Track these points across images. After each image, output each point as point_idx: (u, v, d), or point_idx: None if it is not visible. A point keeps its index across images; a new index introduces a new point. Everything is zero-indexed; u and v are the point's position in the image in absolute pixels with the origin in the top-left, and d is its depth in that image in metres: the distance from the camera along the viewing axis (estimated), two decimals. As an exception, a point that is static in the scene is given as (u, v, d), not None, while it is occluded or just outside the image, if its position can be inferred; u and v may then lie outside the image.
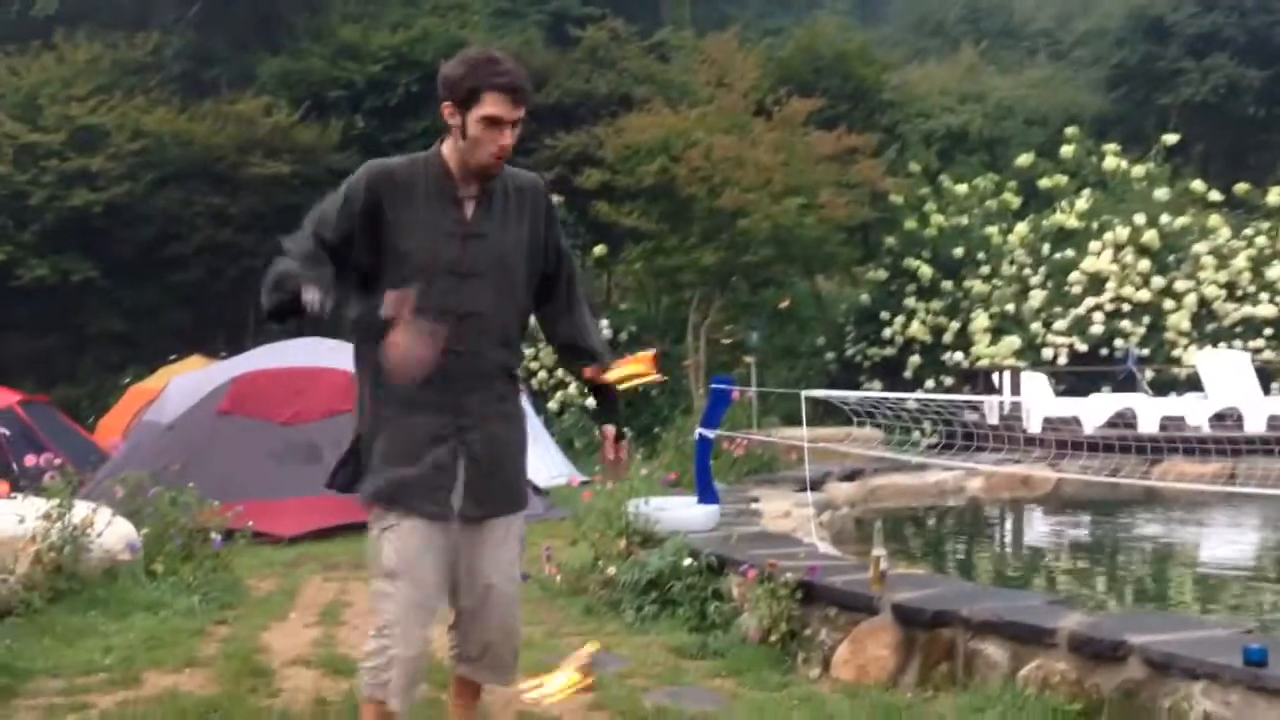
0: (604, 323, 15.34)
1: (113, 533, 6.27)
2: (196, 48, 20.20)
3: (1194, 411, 12.25)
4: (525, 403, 12.46)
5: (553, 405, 14.82)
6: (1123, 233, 15.10)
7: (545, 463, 11.97)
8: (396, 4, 20.13)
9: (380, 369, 2.88)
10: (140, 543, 6.44)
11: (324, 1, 20.00)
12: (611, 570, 6.01)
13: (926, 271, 15.73)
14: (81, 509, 6.18)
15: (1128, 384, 13.91)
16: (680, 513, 6.34)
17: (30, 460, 7.35)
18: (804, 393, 6.96)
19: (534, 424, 12.50)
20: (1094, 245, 15.19)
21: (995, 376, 13.63)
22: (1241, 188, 16.58)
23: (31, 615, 5.55)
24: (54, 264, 15.90)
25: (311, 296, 2.79)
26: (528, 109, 2.99)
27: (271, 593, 6.67)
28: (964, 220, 16.27)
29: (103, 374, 16.51)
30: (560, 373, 15.16)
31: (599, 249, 15.60)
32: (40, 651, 4.99)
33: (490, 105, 2.91)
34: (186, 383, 9.86)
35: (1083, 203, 15.79)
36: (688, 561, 5.56)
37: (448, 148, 3.00)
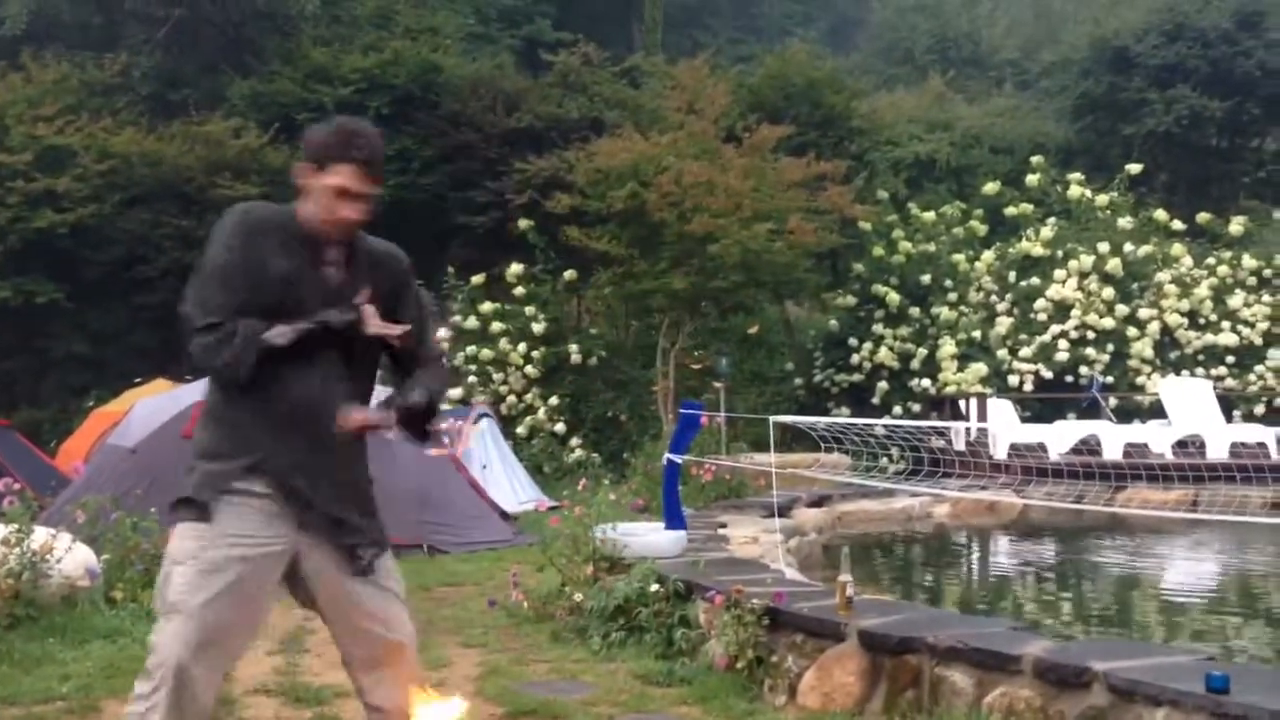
0: (574, 348, 15.35)
1: (72, 559, 6.18)
2: (165, 69, 20.10)
3: (1157, 438, 12.37)
4: (492, 427, 12.44)
5: (521, 430, 14.78)
6: (1087, 261, 15.27)
7: (514, 487, 11.95)
8: (368, 27, 20.15)
9: (243, 397, 2.89)
10: (100, 569, 6.36)
11: (294, 24, 19.97)
12: (578, 596, 5.99)
13: (894, 298, 15.84)
14: (41, 534, 6.10)
15: (1092, 411, 14.04)
16: (648, 538, 6.33)
17: (-10, 484, 7.26)
18: (772, 418, 6.99)
19: (502, 449, 12.48)
20: (1059, 273, 15.34)
21: (962, 403, 13.70)
22: (1204, 217, 16.80)
23: (-12, 642, 5.47)
24: (17, 286, 15.72)
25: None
26: (377, 187, 3.01)
27: (234, 619, 6.58)
28: (931, 247, 16.40)
29: (66, 397, 16.31)
30: (529, 398, 15.15)
31: (569, 274, 15.61)
32: (-3, 679, 4.91)
33: (340, 176, 2.93)
34: (151, 405, 9.76)
35: (1048, 231, 15.95)
36: (655, 587, 5.55)
37: (303, 209, 2.99)
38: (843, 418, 11.89)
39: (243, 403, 2.93)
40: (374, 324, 2.92)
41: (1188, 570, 8.94)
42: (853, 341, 15.98)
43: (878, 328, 15.94)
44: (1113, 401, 14.36)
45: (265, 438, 2.91)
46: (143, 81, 19.51)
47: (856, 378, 15.91)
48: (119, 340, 16.64)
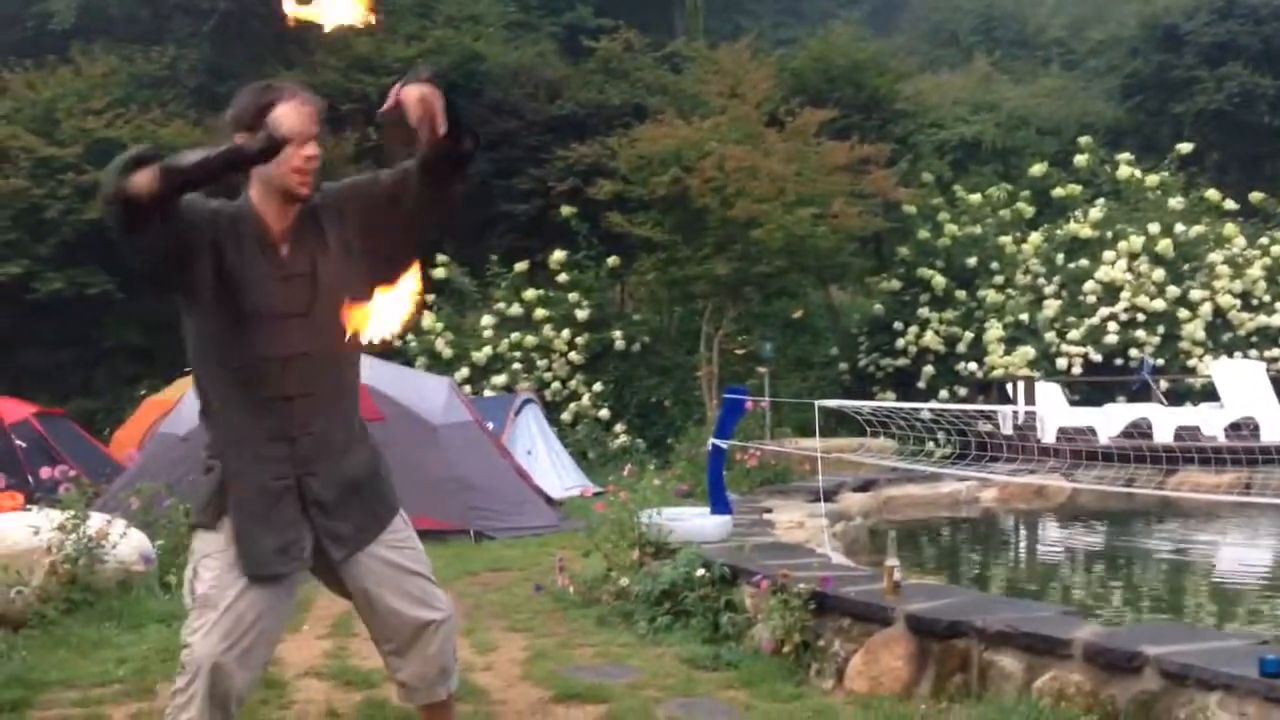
0: (617, 334, 15.37)
1: (127, 544, 6.29)
2: (211, 61, 20.29)
3: (1209, 421, 12.19)
4: (537, 414, 12.49)
5: (566, 417, 14.83)
6: (1137, 242, 15.06)
7: (558, 474, 12.00)
8: (411, 16, 20.19)
9: (223, 397, 2.88)
10: (155, 554, 6.47)
11: (338, 15, 20.06)
12: (624, 581, 6.00)
13: (940, 281, 15.70)
14: (96, 520, 6.20)
15: (1143, 394, 13.85)
16: (693, 523, 6.34)
17: (45, 472, 7.41)
18: (817, 403, 6.97)
19: (547, 436, 12.53)
20: (1108, 255, 15.14)
21: (1009, 387, 13.58)
22: (1257, 197, 16.51)
23: (46, 627, 5.58)
24: (70, 277, 15.97)
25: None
26: (322, 130, 2.91)
27: (285, 604, 6.67)
28: (977, 230, 16.24)
29: (118, 386, 16.57)
30: (574, 384, 15.19)
31: (612, 259, 15.62)
32: (55, 663, 5.01)
33: (295, 128, 2.82)
34: (201, 394, 9.89)
35: (1097, 212, 15.75)
36: (701, 572, 5.55)
37: (254, 192, 2.91)
38: (888, 402, 11.81)
39: (223, 389, 2.91)
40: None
41: (1241, 555, 8.82)
42: (898, 325, 15.86)
43: (923, 311, 15.82)
44: (1164, 384, 14.17)
45: (252, 436, 2.89)
46: (190, 74, 19.71)
47: (902, 362, 15.81)
48: (169, 330, 16.43)
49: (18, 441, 11.02)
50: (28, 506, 6.90)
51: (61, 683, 4.73)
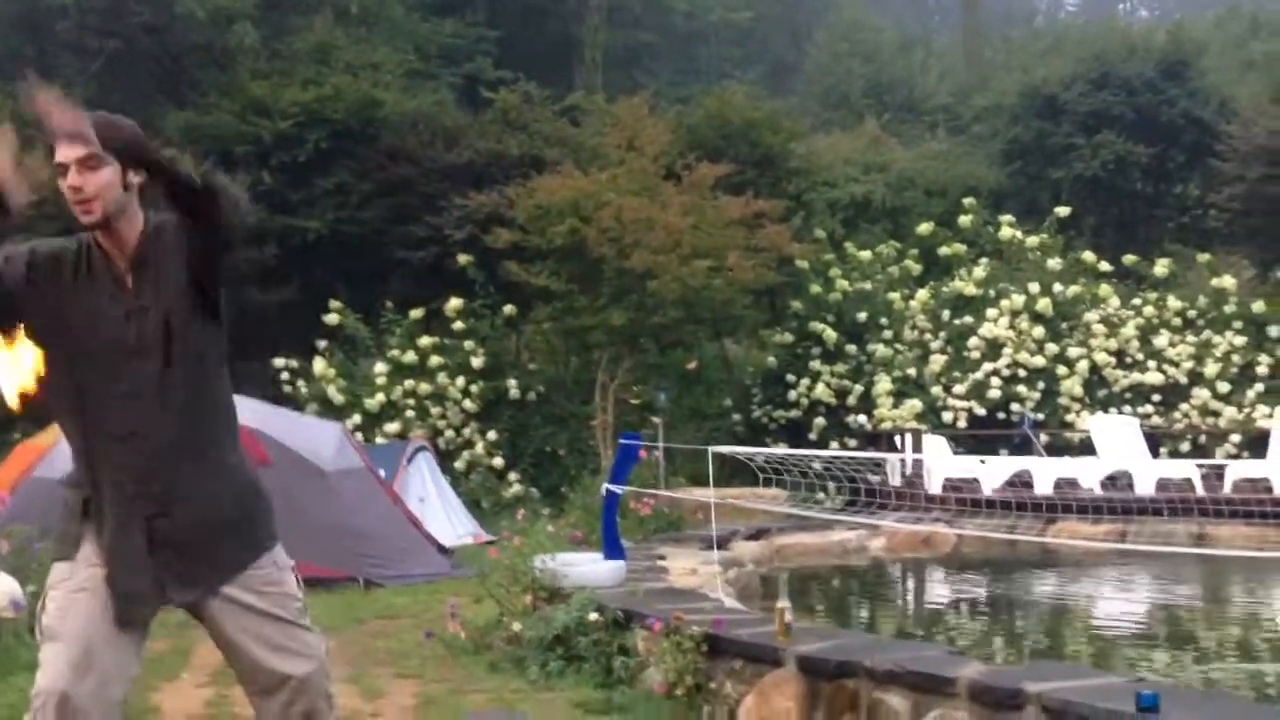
0: (513, 382, 15.34)
1: (-4, 590, 6.04)
2: (99, 100, 19.81)
3: (1087, 474, 12.60)
4: (430, 461, 12.34)
5: (459, 465, 14.69)
6: (1018, 300, 15.57)
7: (451, 521, 11.87)
8: (308, 61, 20.05)
9: (79, 433, 2.83)
10: (25, 600, 6.21)
11: (232, 57, 19.85)
12: (517, 626, 5.96)
13: (831, 335, 16.01)
14: (-36, 565, 5.95)
15: (1024, 447, 14.27)
16: (587, 568, 6.33)
17: (-89, 516, 7.08)
18: (711, 449, 7.03)
19: (440, 483, 12.40)
20: (991, 312, 15.63)
21: (897, 439, 13.86)
22: (1130, 259, 17.22)
23: (-93, 676, 5.32)
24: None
25: None
26: (110, 142, 2.80)
27: (162, 652, 6.45)
28: (868, 286, 16.63)
29: (-10, 430, 15.93)
30: (468, 432, 15.08)
31: (508, 308, 15.59)
32: (-85, 713, 4.78)
33: (57, 154, 2.81)
34: (80, 438, 9.57)
35: (980, 271, 16.26)
36: (594, 616, 5.54)
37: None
38: (781, 449, 11.96)
39: (75, 429, 2.85)
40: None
41: (1117, 603, 9.10)
42: (790, 378, 16.11)
43: (815, 364, 16.09)
44: (1044, 438, 14.62)
45: (105, 474, 2.81)
46: (76, 112, 19.24)
47: (794, 414, 16.04)
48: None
49: (-120, 487, 10.50)
50: (-110, 552, 6.59)
51: (-78, 733, 4.51)
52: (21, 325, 2.78)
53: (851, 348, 16.04)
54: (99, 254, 2.86)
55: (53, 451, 9.61)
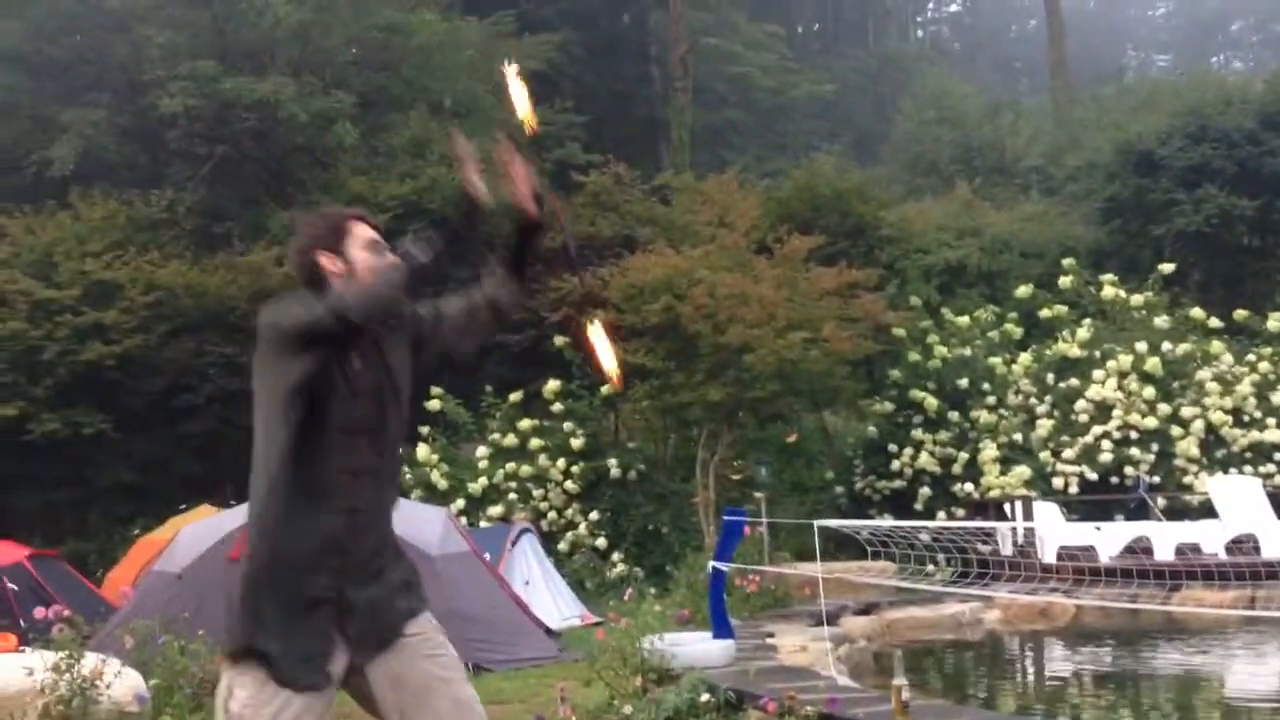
0: (613, 462, 15.37)
1: (121, 684, 6.19)
2: (208, 203, 20.71)
3: (1209, 538, 12.16)
4: (534, 543, 12.44)
5: (563, 546, 14.73)
6: (1125, 361, 15.20)
7: (556, 604, 11.86)
8: (404, 156, 20.70)
9: (287, 506, 2.89)
10: (149, 693, 6.35)
11: (333, 156, 20.58)
12: (628, 709, 5.91)
13: (932, 403, 15.78)
14: (90, 660, 6.11)
15: (1140, 512, 13.83)
16: (696, 648, 6.27)
17: (39, 613, 7.30)
18: (817, 523, 6.96)
19: (544, 565, 12.43)
20: (1098, 374, 15.27)
21: (1006, 507, 13.55)
22: (1241, 314, 16.75)
23: (39, 769, 5.46)
24: (65, 417, 15.99)
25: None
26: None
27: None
28: (967, 351, 16.40)
29: (111, 526, 16.45)
30: (570, 513, 15.12)
31: (606, 388, 15.70)
32: (47, 806, 4.89)
33: (363, 231, 3.06)
34: (196, 531, 9.83)
35: (1084, 332, 15.93)
36: (705, 697, 5.48)
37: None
38: (887, 521, 11.77)
39: (290, 505, 2.91)
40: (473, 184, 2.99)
41: (1249, 671, 8.71)
42: (892, 447, 15.88)
43: (917, 433, 15.85)
44: (1161, 501, 14.15)
45: (308, 546, 2.90)
46: (187, 216, 20.10)
47: (898, 484, 15.78)
48: (164, 468, 16.84)
49: (10, 584, 10.88)
50: (21, 648, 6.81)
51: (54, 827, 4.61)
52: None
53: (954, 415, 15.78)
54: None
55: (171, 545, 9.91)
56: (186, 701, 6.41)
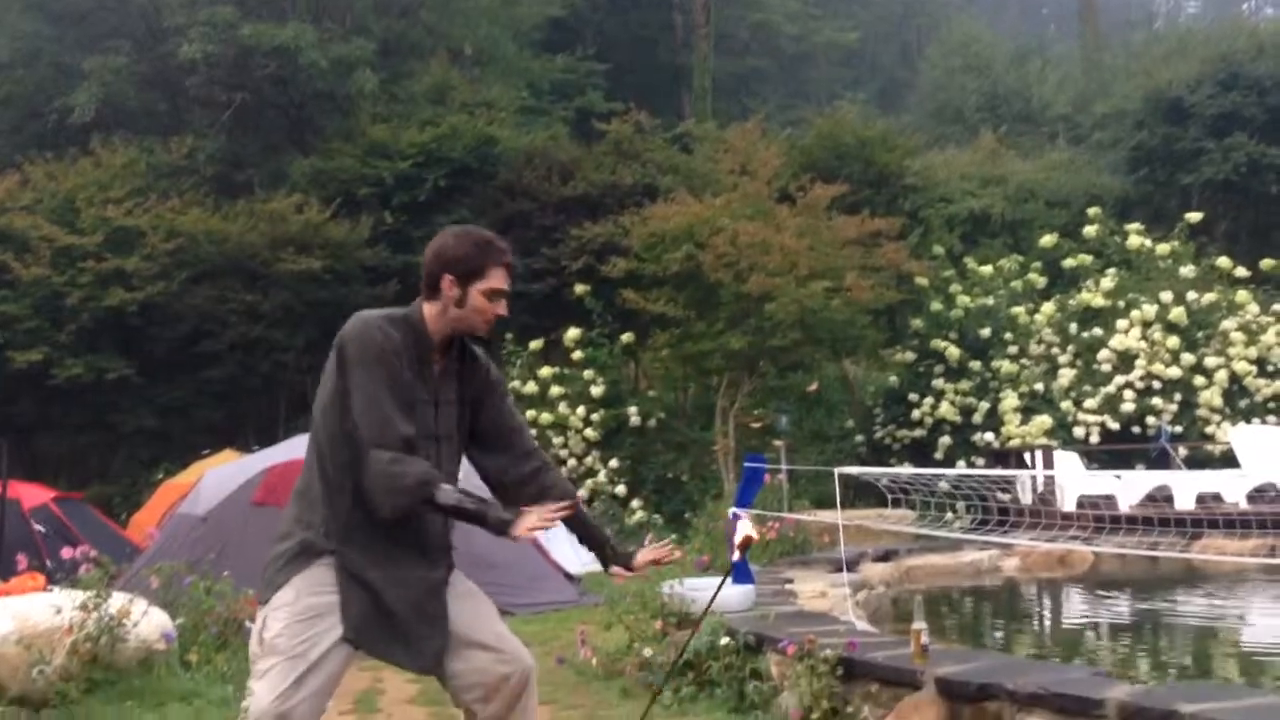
0: (633, 410, 15.38)
1: (148, 623, 6.27)
2: (229, 150, 20.68)
3: (1231, 487, 12.09)
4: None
5: (582, 493, 14.79)
6: (1150, 310, 15.08)
7: (576, 549, 11.91)
8: (425, 103, 20.60)
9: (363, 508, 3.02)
10: (175, 632, 6.44)
11: (353, 103, 20.49)
12: (647, 652, 5.96)
13: (954, 352, 15.72)
14: (118, 599, 6.19)
15: (1161, 461, 13.77)
16: (715, 593, 6.28)
17: (66, 552, 7.39)
18: (837, 470, 6.95)
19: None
20: (1121, 323, 15.16)
21: (1027, 456, 13.52)
22: (1268, 264, 16.56)
23: (68, 706, 5.55)
24: (89, 363, 16.11)
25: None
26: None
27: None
28: (990, 301, 16.29)
29: (135, 470, 16.62)
30: (590, 460, 15.17)
31: (626, 336, 15.70)
32: (76, 741, 4.98)
33: (495, 279, 3.14)
34: (220, 474, 9.91)
35: (1108, 281, 15.80)
36: (725, 641, 5.51)
37: (429, 311, 3.13)
38: (907, 469, 11.76)
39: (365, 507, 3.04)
40: (525, 528, 2.98)
41: (1268, 621, 8.70)
42: (913, 397, 15.85)
43: (938, 383, 15.80)
44: (1183, 451, 14.09)
45: (385, 548, 3.05)
46: (208, 163, 20.08)
47: (918, 433, 15.76)
48: (186, 414, 16.98)
49: (36, 526, 11.02)
50: (49, 588, 6.89)
51: (83, 761, 4.70)
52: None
53: (975, 364, 15.71)
54: (424, 343, 3.13)
55: (196, 488, 10.00)
56: (212, 640, 6.50)
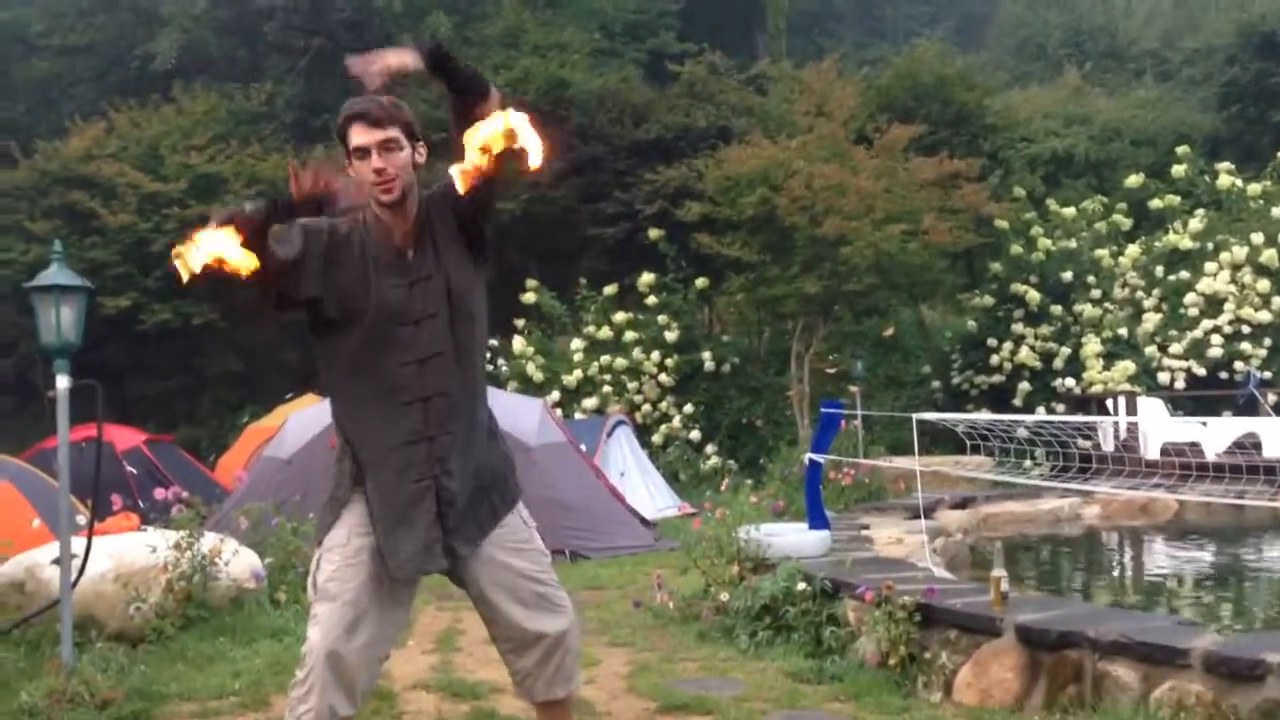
0: (707, 355, 15.38)
1: (239, 562, 6.46)
2: (307, 96, 20.88)
3: (1323, 435, 11.77)
4: (629, 435, 12.52)
5: (657, 439, 14.86)
6: (1240, 253, 14.66)
7: (651, 495, 12.03)
8: (498, 47, 20.56)
9: (362, 407, 2.97)
10: (265, 572, 6.63)
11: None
12: (724, 597, 6.00)
13: (1034, 296, 15.44)
14: (209, 540, 6.38)
15: (1250, 408, 13.44)
16: (792, 538, 6.31)
17: (159, 494, 7.63)
18: (915, 416, 6.89)
19: (639, 457, 12.58)
20: (1210, 266, 14.76)
21: (1109, 402, 13.28)
22: (1365, 204, 15.97)
23: (164, 642, 5.75)
24: (177, 308, 16.48)
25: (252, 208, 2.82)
26: (403, 126, 2.96)
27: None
28: (1072, 244, 15.94)
29: (222, 414, 17.04)
30: (664, 405, 15.22)
31: (700, 281, 15.65)
32: (173, 676, 5.16)
33: (355, 138, 2.95)
34: (304, 418, 10.12)
35: (1197, 223, 15.37)
36: (801, 586, 5.52)
37: (372, 206, 3.00)
38: (985, 415, 11.63)
39: (356, 399, 3.00)
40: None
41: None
42: (992, 342, 15.61)
43: (1018, 327, 15.54)
44: (1271, 398, 13.73)
45: (391, 441, 2.95)
46: (286, 109, 20.31)
47: (997, 379, 15.54)
48: (270, 358, 17.31)
49: (129, 468, 11.37)
50: (142, 527, 7.13)
51: (180, 695, 4.87)
52: (303, 298, 2.93)
53: (1056, 309, 15.42)
54: (378, 230, 3.00)
55: (281, 431, 10.22)
56: (299, 580, 6.66)
